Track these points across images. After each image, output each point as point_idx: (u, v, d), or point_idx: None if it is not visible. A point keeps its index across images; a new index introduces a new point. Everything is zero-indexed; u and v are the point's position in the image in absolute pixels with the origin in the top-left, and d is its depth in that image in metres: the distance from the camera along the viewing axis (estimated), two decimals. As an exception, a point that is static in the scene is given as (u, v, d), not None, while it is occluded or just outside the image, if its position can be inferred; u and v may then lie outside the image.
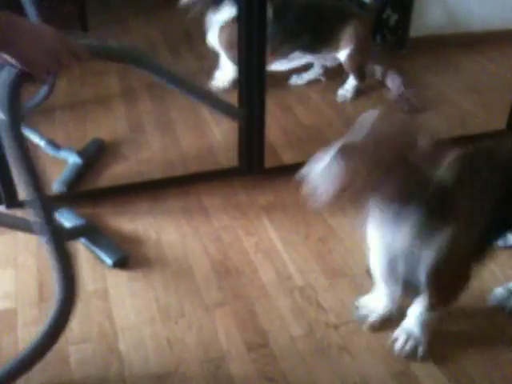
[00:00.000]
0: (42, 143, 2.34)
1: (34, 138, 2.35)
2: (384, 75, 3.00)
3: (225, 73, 2.89)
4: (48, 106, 2.77)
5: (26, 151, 1.15)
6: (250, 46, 2.03)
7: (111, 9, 3.65)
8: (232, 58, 2.76)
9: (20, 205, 2.12)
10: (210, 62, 3.00)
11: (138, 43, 3.01)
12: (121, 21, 3.50)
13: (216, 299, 1.76)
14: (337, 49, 2.83)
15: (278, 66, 2.86)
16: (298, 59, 2.88)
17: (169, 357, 1.58)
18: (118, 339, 1.63)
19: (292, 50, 2.83)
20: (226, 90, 2.80)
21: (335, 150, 1.28)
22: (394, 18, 3.30)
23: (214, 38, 2.84)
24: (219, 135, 2.57)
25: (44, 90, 2.60)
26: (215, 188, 2.25)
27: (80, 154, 2.33)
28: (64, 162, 2.32)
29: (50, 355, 1.56)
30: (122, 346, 1.61)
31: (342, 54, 2.83)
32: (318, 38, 2.80)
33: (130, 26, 3.47)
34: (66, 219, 2.02)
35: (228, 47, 2.78)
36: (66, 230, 1.95)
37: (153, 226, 2.05)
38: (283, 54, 2.82)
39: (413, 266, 1.38)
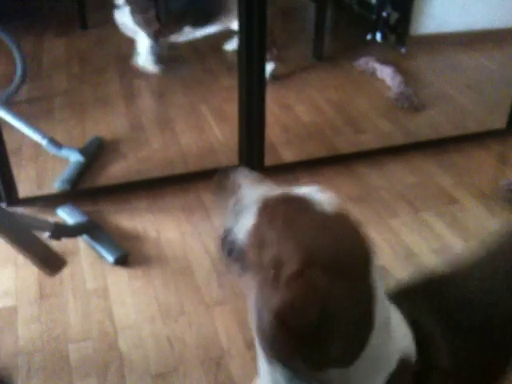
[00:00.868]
0: (43, 142, 2.34)
1: (35, 136, 2.35)
2: (376, 69, 3.03)
3: (144, 52, 2.97)
4: (48, 104, 2.77)
5: None
6: (250, 45, 2.03)
7: (110, 7, 3.65)
8: (149, 34, 2.90)
9: (21, 202, 2.12)
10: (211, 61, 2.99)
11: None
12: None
13: (216, 297, 1.76)
14: (228, 22, 2.93)
15: (180, 37, 3.02)
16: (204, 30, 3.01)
17: (169, 355, 1.58)
18: (118, 337, 1.63)
19: (182, 26, 2.97)
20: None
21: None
22: (394, 16, 3.30)
23: (124, 19, 2.91)
24: (219, 133, 2.56)
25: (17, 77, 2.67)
26: (215, 186, 2.24)
27: (82, 152, 2.33)
28: (64, 160, 2.32)
29: (50, 353, 1.58)
30: (122, 345, 1.61)
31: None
32: (204, 14, 2.93)
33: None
34: (70, 216, 2.03)
35: (145, 24, 2.89)
36: (69, 227, 1.95)
37: (152, 224, 2.05)
38: (175, 30, 2.97)
39: None
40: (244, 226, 0.81)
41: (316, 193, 0.81)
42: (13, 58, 2.66)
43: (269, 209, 0.80)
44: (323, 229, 0.75)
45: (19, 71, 2.66)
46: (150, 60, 3.00)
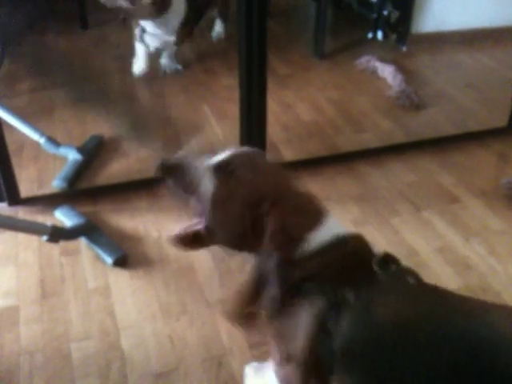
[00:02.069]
0: (41, 141, 2.34)
1: (33, 135, 2.35)
2: (376, 68, 3.05)
3: (141, 58, 3.01)
4: (48, 103, 2.78)
5: None
6: (251, 43, 2.03)
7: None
8: (177, 41, 2.99)
9: (22, 202, 2.13)
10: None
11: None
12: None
13: (217, 296, 1.76)
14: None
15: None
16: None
17: (170, 354, 1.58)
18: (119, 337, 1.63)
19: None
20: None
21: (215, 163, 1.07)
22: (395, 14, 3.30)
23: (160, 30, 2.93)
24: (220, 132, 2.57)
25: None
26: (216, 185, 2.24)
27: (80, 150, 2.33)
28: (64, 159, 2.33)
29: (52, 352, 1.58)
30: (123, 344, 1.61)
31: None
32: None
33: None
34: (67, 217, 2.03)
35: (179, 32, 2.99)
36: (67, 230, 1.95)
37: (153, 224, 2.05)
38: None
39: None
40: (206, 190, 1.04)
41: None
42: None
43: (223, 171, 1.04)
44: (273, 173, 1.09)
45: None
46: (175, 63, 3.10)
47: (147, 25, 2.86)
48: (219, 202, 1.04)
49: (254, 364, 1.50)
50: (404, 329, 0.97)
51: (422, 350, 0.94)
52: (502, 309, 1.03)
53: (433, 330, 0.95)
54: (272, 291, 1.03)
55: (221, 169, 1.05)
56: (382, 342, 0.97)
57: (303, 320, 1.03)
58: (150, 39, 2.92)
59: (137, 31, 2.92)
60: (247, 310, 1.10)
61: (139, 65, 2.99)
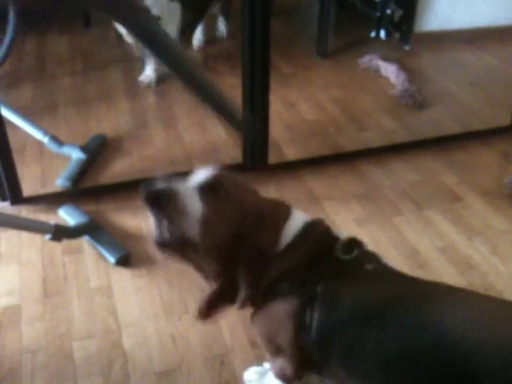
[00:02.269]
0: (44, 139, 2.35)
1: (36, 134, 2.35)
2: (380, 67, 3.05)
3: (149, 68, 2.99)
4: (51, 102, 2.78)
5: None
6: (253, 42, 2.03)
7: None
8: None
9: (25, 201, 2.13)
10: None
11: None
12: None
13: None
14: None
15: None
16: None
17: (172, 353, 1.59)
18: (121, 335, 1.63)
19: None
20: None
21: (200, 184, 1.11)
22: (398, 13, 3.29)
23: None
24: (223, 131, 2.57)
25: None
26: (219, 184, 2.24)
27: (83, 149, 2.33)
28: (68, 158, 2.33)
29: (55, 351, 1.58)
30: (125, 343, 1.61)
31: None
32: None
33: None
34: (71, 216, 2.03)
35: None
36: (70, 229, 1.96)
37: (156, 223, 2.05)
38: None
39: None
40: (195, 213, 1.06)
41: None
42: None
43: (208, 193, 1.08)
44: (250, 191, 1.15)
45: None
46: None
47: None
48: (209, 222, 1.06)
49: (254, 369, 1.50)
50: (365, 313, 1.04)
51: (385, 334, 1.01)
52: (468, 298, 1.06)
53: (394, 316, 1.01)
54: (249, 294, 1.11)
55: (206, 191, 1.09)
56: (349, 326, 1.05)
57: (281, 319, 1.11)
58: None
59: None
60: (219, 310, 1.20)
61: (148, 74, 2.98)
